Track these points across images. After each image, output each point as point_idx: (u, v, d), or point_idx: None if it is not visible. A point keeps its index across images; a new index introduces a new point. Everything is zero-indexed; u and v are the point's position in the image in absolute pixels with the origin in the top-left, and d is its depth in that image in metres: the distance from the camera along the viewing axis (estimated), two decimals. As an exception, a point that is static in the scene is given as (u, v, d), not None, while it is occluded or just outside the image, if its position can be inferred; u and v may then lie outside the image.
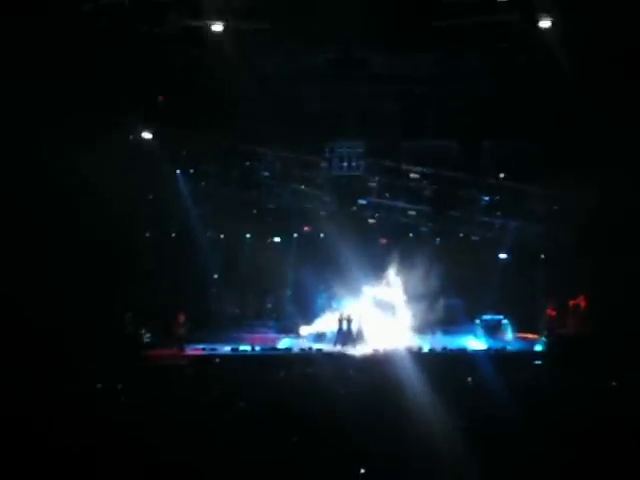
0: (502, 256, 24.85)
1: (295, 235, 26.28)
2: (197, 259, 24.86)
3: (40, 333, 15.59)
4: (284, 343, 22.44)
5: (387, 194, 24.43)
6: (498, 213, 24.24)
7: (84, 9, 15.79)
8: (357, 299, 24.02)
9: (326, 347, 21.59)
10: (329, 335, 22.89)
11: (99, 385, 12.88)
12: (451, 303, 24.47)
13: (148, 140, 21.18)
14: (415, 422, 9.97)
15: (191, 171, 23.56)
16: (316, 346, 21.56)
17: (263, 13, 16.34)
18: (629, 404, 11.08)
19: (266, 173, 23.74)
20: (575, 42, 16.29)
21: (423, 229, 25.71)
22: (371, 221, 25.65)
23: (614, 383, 13.50)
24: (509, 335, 23.35)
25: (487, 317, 23.95)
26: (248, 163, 23.53)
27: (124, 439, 9.01)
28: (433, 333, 23.53)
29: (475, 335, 23.34)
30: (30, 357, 14.07)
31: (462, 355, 20.28)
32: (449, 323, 24.10)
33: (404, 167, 23.48)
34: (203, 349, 20.11)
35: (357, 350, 21.06)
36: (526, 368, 17.23)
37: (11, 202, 15.99)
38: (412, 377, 13.79)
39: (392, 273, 24.52)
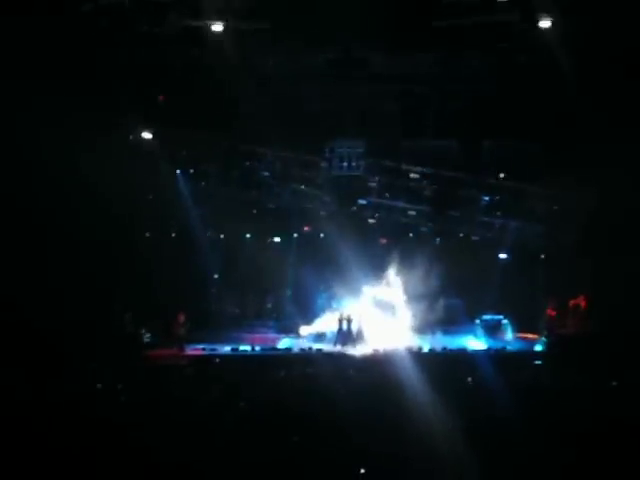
0: (502, 256, 24.83)
1: (295, 235, 26.28)
2: (197, 259, 24.85)
3: (40, 333, 15.58)
4: (284, 343, 22.43)
5: (387, 194, 24.42)
6: (498, 213, 24.24)
7: (84, 9, 15.78)
8: (357, 299, 24.00)
9: (326, 347, 21.57)
10: (329, 335, 22.87)
11: (99, 385, 12.88)
12: (451, 303, 24.45)
13: (148, 140, 21.17)
14: (415, 422, 9.97)
15: (191, 171, 23.56)
16: (316, 346, 21.54)
17: (263, 13, 16.34)
18: (629, 404, 11.08)
19: (266, 173, 23.73)
20: (575, 42, 16.30)
21: (423, 229, 25.71)
22: (371, 221, 25.65)
23: (614, 383, 13.50)
24: (509, 335, 23.33)
25: (487, 317, 23.93)
26: (248, 163, 23.52)
27: (124, 439, 9.02)
28: (433, 333, 23.52)
29: (475, 335, 23.32)
30: (30, 357, 14.07)
31: (462, 355, 20.27)
32: (449, 323, 24.09)
33: (404, 167, 23.47)
34: (203, 349, 20.10)
35: (357, 350, 21.05)
36: (526, 368, 17.23)
37: (11, 202, 15.98)
38: (412, 377, 13.79)
39: (392, 273, 24.50)
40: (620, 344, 16.80)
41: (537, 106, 18.40)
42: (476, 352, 20.86)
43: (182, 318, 20.88)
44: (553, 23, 15.98)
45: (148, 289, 21.36)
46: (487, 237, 25.26)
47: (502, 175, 23.00)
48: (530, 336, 22.95)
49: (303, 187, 24.15)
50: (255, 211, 25.00)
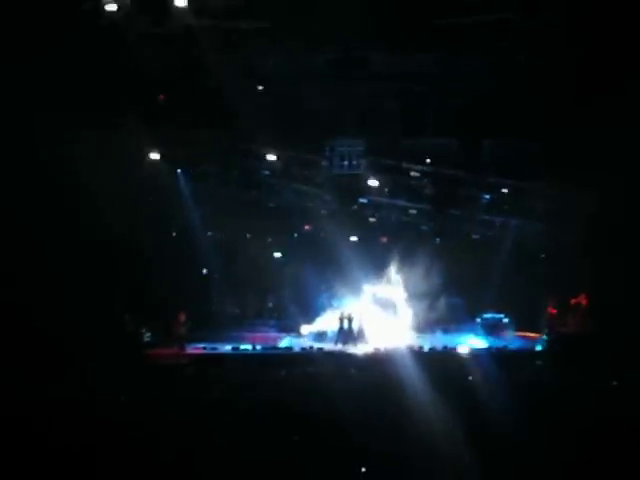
0: (503, 255, 24.81)
1: (296, 234, 26.30)
2: (197, 259, 24.90)
3: (40, 333, 15.58)
4: (285, 342, 22.46)
5: (387, 193, 24.43)
6: (499, 212, 24.25)
7: (84, 8, 15.78)
8: (358, 298, 24.04)
9: (327, 346, 21.58)
10: (330, 334, 22.89)
11: (99, 385, 12.88)
12: (452, 302, 24.49)
13: (148, 140, 21.15)
14: (416, 421, 9.97)
15: (191, 171, 23.56)
16: (317, 345, 21.57)
17: (263, 13, 16.33)
18: (630, 404, 11.06)
19: (266, 172, 23.72)
20: (574, 41, 16.29)
21: (424, 228, 25.74)
22: (372, 220, 25.68)
23: (615, 382, 13.48)
24: (510, 334, 23.33)
25: (488, 316, 23.95)
26: (248, 162, 23.50)
27: (124, 439, 9.01)
28: (434, 332, 23.55)
29: (476, 334, 23.32)
30: (30, 357, 14.07)
31: (462, 354, 20.23)
32: (450, 322, 24.12)
33: (404, 166, 23.46)
34: (204, 348, 20.13)
35: (358, 349, 21.05)
36: (527, 367, 17.21)
37: (11, 203, 15.96)
38: (413, 376, 13.79)
39: (393, 272, 24.53)
40: (621, 343, 16.78)
41: (537, 105, 18.36)
42: (477, 351, 20.82)
43: (183, 317, 20.90)
44: (553, 22, 15.96)
45: (148, 289, 21.37)
46: (488, 236, 25.30)
47: (502, 174, 22.94)
48: (531, 335, 22.94)
49: (304, 186, 24.15)
50: (255, 210, 25.01)
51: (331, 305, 24.24)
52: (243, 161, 23.56)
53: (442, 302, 24.28)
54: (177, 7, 16.34)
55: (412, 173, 23.65)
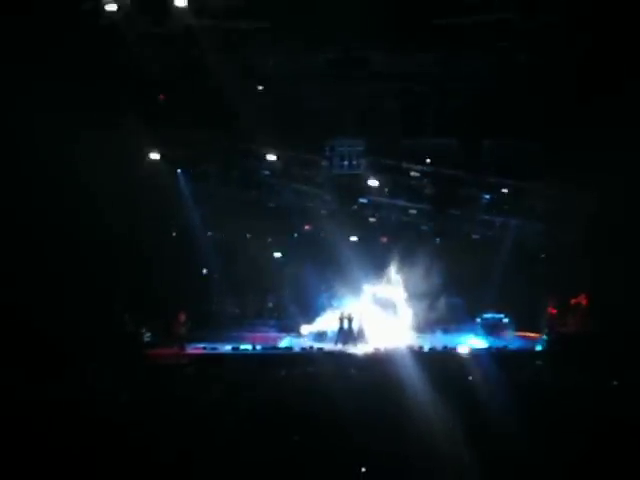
0: (503, 255, 24.81)
1: (296, 234, 26.30)
2: (197, 259, 24.90)
3: (41, 333, 15.58)
4: (285, 342, 22.46)
5: (387, 193, 24.43)
6: (499, 212, 24.25)
7: (84, 9, 15.78)
8: (358, 298, 24.03)
9: (327, 346, 21.57)
10: (330, 334, 22.89)
11: (99, 385, 12.88)
12: (452, 302, 24.49)
13: (148, 140, 21.15)
14: (416, 421, 9.97)
15: (191, 171, 23.55)
16: (317, 345, 21.56)
17: (263, 13, 16.32)
18: (630, 404, 11.06)
19: (266, 172, 23.72)
20: (574, 41, 16.29)
21: (424, 228, 25.75)
22: (372, 220, 25.68)
23: (615, 382, 13.48)
24: (510, 334, 23.33)
25: (488, 316, 23.95)
26: (248, 162, 23.50)
27: (124, 439, 9.01)
28: (434, 332, 23.56)
29: (476, 334, 23.32)
30: (30, 357, 14.07)
31: (462, 354, 20.23)
32: (450, 322, 24.11)
33: (404, 165, 23.46)
34: (204, 348, 20.12)
35: (358, 349, 21.05)
36: (527, 367, 17.21)
37: (11, 203, 15.96)
38: (413, 376, 13.78)
39: (393, 272, 24.53)
40: (621, 343, 16.78)
41: (537, 105, 18.36)
42: (477, 351, 20.82)
43: (183, 317, 20.91)
44: (553, 21, 15.96)
45: (148, 289, 21.37)
46: (488, 236, 25.30)
47: (502, 174, 22.94)
48: (531, 335, 22.94)
49: (303, 186, 24.15)
50: (255, 210, 25.01)
51: (331, 305, 24.24)
52: (243, 161, 23.55)
53: (442, 302, 24.28)
54: (177, 7, 16.33)
55: (412, 173, 23.64)
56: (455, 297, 24.63)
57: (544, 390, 13.18)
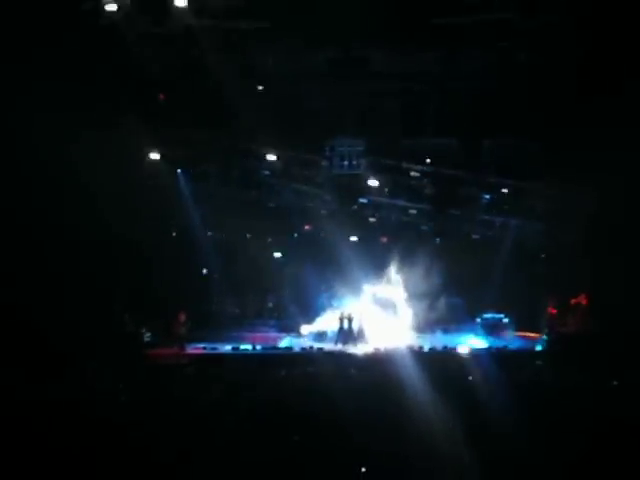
0: (503, 254, 24.81)
1: (296, 234, 26.31)
2: (197, 259, 24.91)
3: (41, 333, 15.58)
4: (285, 342, 22.45)
5: (387, 193, 24.43)
6: (499, 211, 24.25)
7: (84, 8, 15.77)
8: (358, 298, 24.03)
9: (327, 346, 21.57)
10: (330, 334, 22.89)
11: (99, 385, 12.88)
12: (452, 302, 24.49)
13: (148, 140, 21.14)
14: (416, 421, 9.96)
15: (191, 171, 23.54)
16: (317, 345, 21.55)
17: (263, 13, 16.32)
18: (630, 403, 11.05)
19: (266, 172, 23.71)
20: (574, 41, 16.28)
21: (424, 228, 25.76)
22: (372, 220, 25.69)
23: (615, 382, 13.47)
24: (510, 334, 23.33)
25: (488, 316, 23.95)
26: (248, 162, 23.49)
27: (124, 439, 9.01)
28: (433, 332, 23.55)
29: (476, 334, 23.32)
30: (30, 357, 14.07)
31: (462, 354, 20.23)
32: (450, 322, 24.11)
33: (404, 165, 23.45)
34: (204, 348, 20.12)
35: (358, 349, 21.05)
36: (527, 367, 17.20)
37: (11, 203, 15.96)
38: (413, 376, 13.78)
39: (393, 272, 24.53)
40: (621, 343, 16.77)
41: (537, 105, 18.37)
42: (477, 351, 20.82)
43: (183, 317, 20.91)
44: (553, 21, 15.96)
45: (148, 289, 21.38)
46: (488, 236, 25.31)
47: (502, 173, 22.93)
48: (531, 335, 22.94)
49: (303, 186, 24.15)
50: (255, 210, 25.02)
51: (331, 305, 24.24)
52: (243, 161, 23.55)
53: (442, 302, 24.28)
54: (177, 7, 16.34)
55: (412, 173, 23.64)
56: (455, 297, 24.64)
57: (544, 390, 13.17)
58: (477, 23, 16.14)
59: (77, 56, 16.19)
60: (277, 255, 26.41)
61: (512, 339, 23.02)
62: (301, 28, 16.33)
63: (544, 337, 21.61)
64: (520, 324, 23.49)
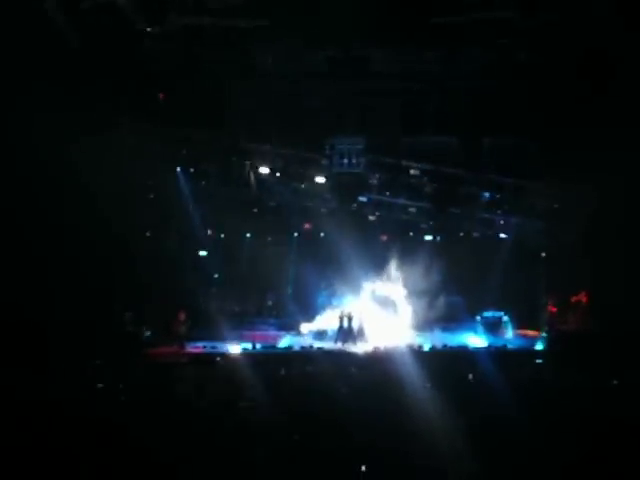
0: (503, 253, 24.83)
1: (295, 233, 26.31)
2: (197, 258, 24.91)
3: (40, 332, 15.60)
4: (285, 341, 22.45)
5: (387, 191, 24.44)
6: (499, 210, 24.26)
7: (83, 7, 15.75)
8: (358, 296, 24.03)
9: (327, 345, 21.58)
10: (330, 333, 22.90)
11: (99, 384, 12.89)
12: (452, 300, 24.49)
13: (148, 140, 21.12)
14: (416, 419, 9.98)
15: (191, 170, 23.53)
16: (317, 344, 21.56)
17: (263, 11, 16.29)
18: (630, 403, 11.06)
19: (267, 171, 23.69)
20: (575, 40, 16.28)
21: (423, 226, 25.77)
22: (371, 218, 25.69)
23: (615, 382, 13.48)
24: (510, 332, 23.35)
25: (488, 314, 23.96)
26: (248, 161, 23.49)
27: (124, 439, 9.02)
28: (433, 330, 23.56)
29: (476, 332, 23.33)
30: (30, 357, 14.08)
31: (463, 352, 20.27)
32: (450, 320, 24.12)
33: (404, 164, 23.45)
34: (204, 347, 20.13)
35: (358, 347, 21.07)
36: (527, 365, 17.23)
37: (11, 203, 15.96)
38: (413, 374, 13.80)
39: (392, 270, 24.52)
40: (621, 342, 16.79)
41: (537, 104, 18.37)
42: (477, 349, 20.86)
43: (182, 316, 20.92)
44: (553, 20, 15.94)
45: (148, 288, 21.39)
46: (488, 234, 25.33)
47: (502, 172, 22.94)
48: (530, 333, 22.97)
49: (303, 185, 24.15)
50: (255, 209, 25.04)
51: (331, 303, 24.24)
52: (243, 159, 23.53)
53: (442, 300, 24.28)
54: (177, 5, 16.31)
55: (412, 171, 23.62)
56: (455, 295, 24.64)
57: (544, 389, 13.19)
58: (477, 23, 16.10)
59: (77, 56, 16.19)
60: (277, 253, 26.38)
61: (512, 337, 23.06)
62: (301, 27, 16.30)
63: (544, 334, 21.63)
64: (520, 322, 23.51)
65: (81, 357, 15.14)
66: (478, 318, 23.93)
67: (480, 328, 23.53)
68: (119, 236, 18.89)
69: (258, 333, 23.07)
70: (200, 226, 24.39)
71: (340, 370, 15.49)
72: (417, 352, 19.46)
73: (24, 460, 8.41)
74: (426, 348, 20.55)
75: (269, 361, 17.98)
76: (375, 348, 20.51)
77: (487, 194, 23.79)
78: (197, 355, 19.26)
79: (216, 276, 25.61)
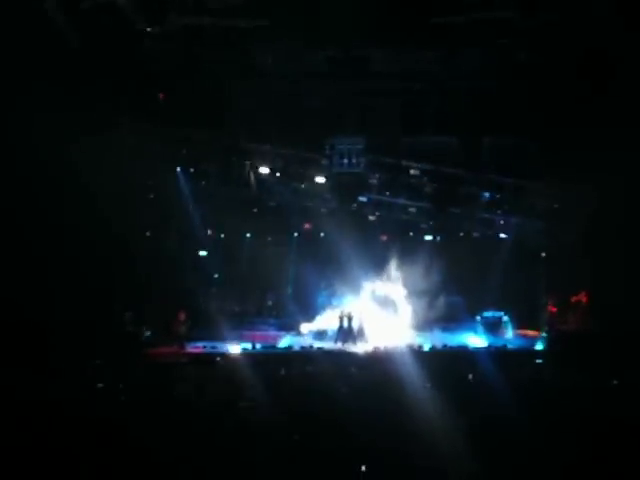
0: (503, 253, 24.83)
1: (295, 233, 26.31)
2: (197, 258, 24.92)
3: (40, 332, 15.60)
4: (285, 341, 22.44)
5: (387, 191, 24.44)
6: (499, 210, 24.26)
7: (83, 7, 15.75)
8: (358, 296, 24.03)
9: (327, 345, 21.58)
10: (330, 333, 22.89)
11: (99, 384, 12.89)
12: (452, 300, 24.48)
13: (148, 140, 21.12)
14: (416, 419, 9.98)
15: (191, 170, 23.52)
16: (317, 344, 21.56)
17: (263, 11, 16.29)
18: (630, 403, 11.06)
19: (267, 171, 23.69)
20: (575, 40, 16.28)
21: (424, 226, 25.76)
22: (371, 218, 25.68)
23: (615, 382, 13.48)
24: (510, 332, 23.35)
25: (488, 314, 23.95)
26: (248, 161, 23.49)
27: (124, 438, 9.02)
28: (433, 330, 23.56)
29: (476, 332, 23.33)
30: (30, 356, 14.07)
31: (463, 352, 20.27)
32: (450, 320, 24.12)
33: (404, 164, 23.45)
34: (204, 347, 20.13)
35: (358, 347, 21.07)
36: (527, 365, 17.23)
37: (11, 203, 15.96)
38: (413, 374, 13.80)
39: (392, 270, 24.52)
40: (621, 342, 16.79)
41: (537, 104, 18.37)
42: (477, 349, 20.86)
43: (182, 316, 20.93)
44: (553, 20, 15.95)
45: (148, 288, 21.39)
46: (488, 234, 25.33)
47: (502, 172, 22.93)
48: (530, 333, 22.97)
49: (303, 185, 24.15)
50: (255, 209, 25.04)
51: (331, 303, 24.23)
52: (243, 159, 23.53)
53: (442, 300, 24.27)
54: (177, 5, 16.31)
55: (412, 171, 23.62)
56: (455, 295, 24.63)
57: (544, 389, 13.19)
58: (477, 23, 16.09)
59: (77, 56, 16.19)
60: (277, 253, 26.37)
61: (512, 337, 23.06)
62: (301, 27, 16.30)
63: (544, 334, 21.63)
64: (520, 322, 23.51)
65: (81, 357, 15.14)
66: (478, 318, 23.92)
67: (480, 328, 23.52)
68: (119, 236, 18.88)
69: (258, 333, 23.07)
70: (200, 226, 24.37)
71: (340, 370, 15.49)
72: (417, 352, 19.47)
73: (24, 460, 8.41)
74: (426, 348, 20.55)
75: (269, 361, 17.97)
76: (375, 348, 20.51)
77: (487, 194, 23.78)
78: (197, 355, 19.25)
79: (216, 276, 25.60)
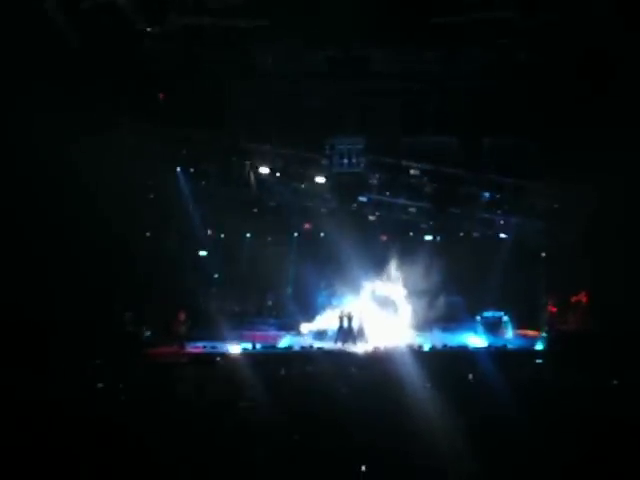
0: (503, 253, 24.83)
1: (295, 233, 26.31)
2: (197, 258, 24.92)
3: (40, 332, 15.60)
4: (285, 341, 22.44)
5: (387, 191, 24.44)
6: (499, 210, 24.26)
7: (83, 7, 15.75)
8: (358, 296, 24.03)
9: (327, 345, 21.58)
10: (330, 333, 22.89)
11: (100, 384, 12.90)
12: (452, 300, 24.48)
13: (148, 140, 21.12)
14: (416, 419, 9.98)
15: (191, 170, 23.52)
16: (317, 344, 21.56)
17: (263, 11, 16.29)
18: (630, 403, 11.06)
19: (267, 171, 23.70)
20: (575, 40, 16.28)
21: (424, 226, 25.77)
22: (371, 218, 25.68)
23: (615, 382, 13.48)
24: (509, 332, 23.35)
25: (488, 314, 23.95)
26: (248, 161, 23.49)
27: (124, 438, 9.02)
28: (433, 330, 23.55)
29: (476, 332, 23.33)
30: (30, 356, 14.08)
31: (463, 352, 20.27)
32: (450, 320, 24.12)
33: (404, 164, 23.45)
34: (204, 347, 20.13)
35: (358, 347, 21.07)
36: (527, 365, 17.23)
37: (11, 203, 15.96)
38: (413, 374, 13.80)
39: (392, 270, 24.52)
40: (621, 342, 16.79)
41: (537, 104, 18.37)
42: (477, 349, 20.86)
43: (182, 316, 20.92)
44: (553, 20, 15.95)
45: (148, 288, 21.39)
46: (488, 234, 25.33)
47: (502, 172, 22.93)
48: (530, 333, 22.97)
49: (303, 185, 24.16)
50: (255, 209, 25.04)
51: (331, 303, 24.23)
52: (243, 159, 23.53)
53: (442, 300, 24.27)
54: (177, 5, 16.31)
55: (412, 171, 23.62)
56: (455, 295, 24.63)
57: (544, 389, 13.19)
58: (477, 23, 16.09)
59: (77, 56, 16.19)
60: (277, 253, 26.37)
61: (512, 337, 23.06)
62: (301, 27, 16.30)
63: (544, 334, 21.63)
64: (520, 322, 23.51)
65: (81, 357, 15.14)
66: (478, 318, 23.92)
67: (480, 328, 23.51)
68: (119, 236, 18.88)
69: (258, 333, 23.07)
70: (200, 226, 24.38)
71: (340, 370, 15.50)
72: (417, 352, 19.47)
73: (24, 460, 8.41)
74: (426, 348, 20.55)
75: (269, 361, 17.98)
76: (375, 348, 20.51)
77: (487, 194, 23.77)
78: (197, 355, 19.26)
79: (216, 276, 25.60)
